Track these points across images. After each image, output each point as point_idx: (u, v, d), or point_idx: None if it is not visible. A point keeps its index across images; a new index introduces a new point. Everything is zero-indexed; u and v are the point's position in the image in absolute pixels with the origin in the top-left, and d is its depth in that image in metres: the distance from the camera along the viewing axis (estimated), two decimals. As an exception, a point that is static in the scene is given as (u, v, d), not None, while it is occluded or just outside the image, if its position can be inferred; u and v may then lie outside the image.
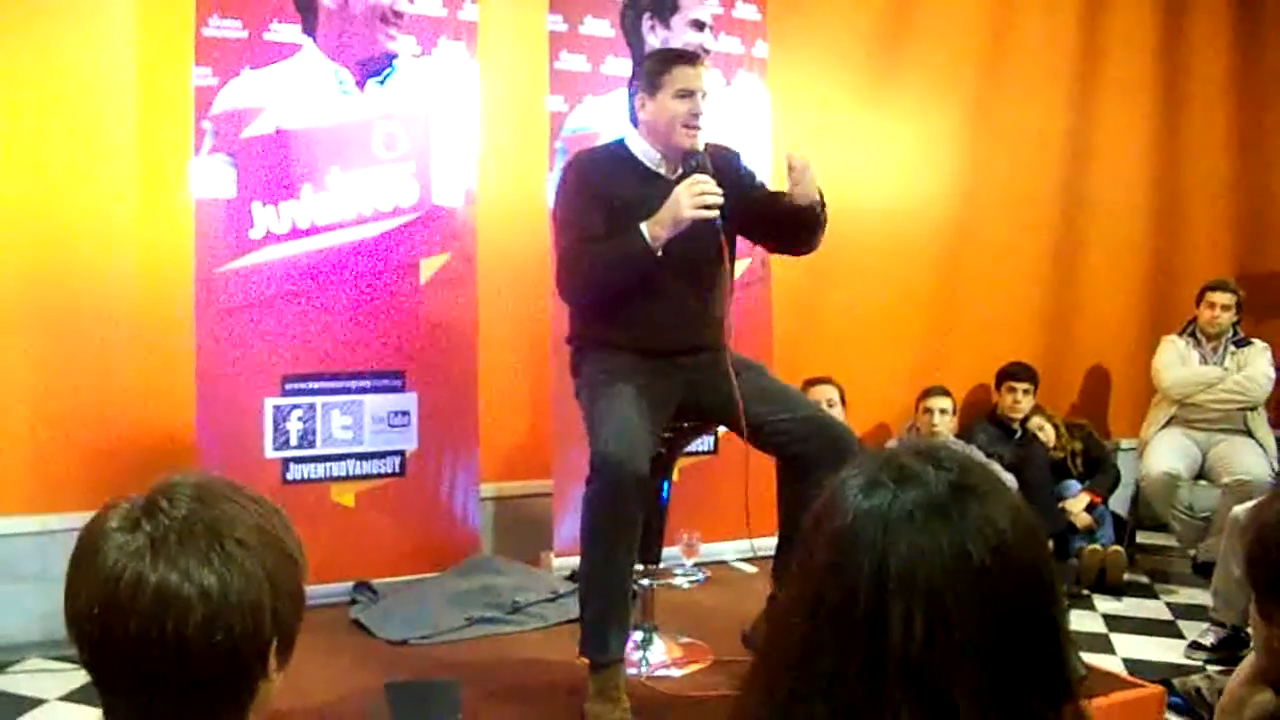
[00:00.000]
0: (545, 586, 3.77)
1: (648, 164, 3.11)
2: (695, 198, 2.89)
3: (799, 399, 3.20)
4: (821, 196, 3.05)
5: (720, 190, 2.91)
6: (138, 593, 1.12)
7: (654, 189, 3.03)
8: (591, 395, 3.01)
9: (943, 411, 4.95)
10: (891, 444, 4.90)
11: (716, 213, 2.90)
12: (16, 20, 3.72)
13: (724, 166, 3.08)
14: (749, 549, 3.20)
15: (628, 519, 2.82)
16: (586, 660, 2.89)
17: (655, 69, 3.10)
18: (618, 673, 2.86)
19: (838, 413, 4.58)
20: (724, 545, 3.98)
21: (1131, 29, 5.79)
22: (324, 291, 3.82)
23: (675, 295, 3.04)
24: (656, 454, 3.01)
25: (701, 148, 3.06)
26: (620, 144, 3.18)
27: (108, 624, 1.13)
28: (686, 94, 3.03)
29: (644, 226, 2.91)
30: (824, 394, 4.66)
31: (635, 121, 3.14)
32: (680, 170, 3.05)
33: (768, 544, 3.16)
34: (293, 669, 1.24)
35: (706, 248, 2.97)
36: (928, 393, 4.99)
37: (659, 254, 2.92)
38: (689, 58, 3.14)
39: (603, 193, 3.03)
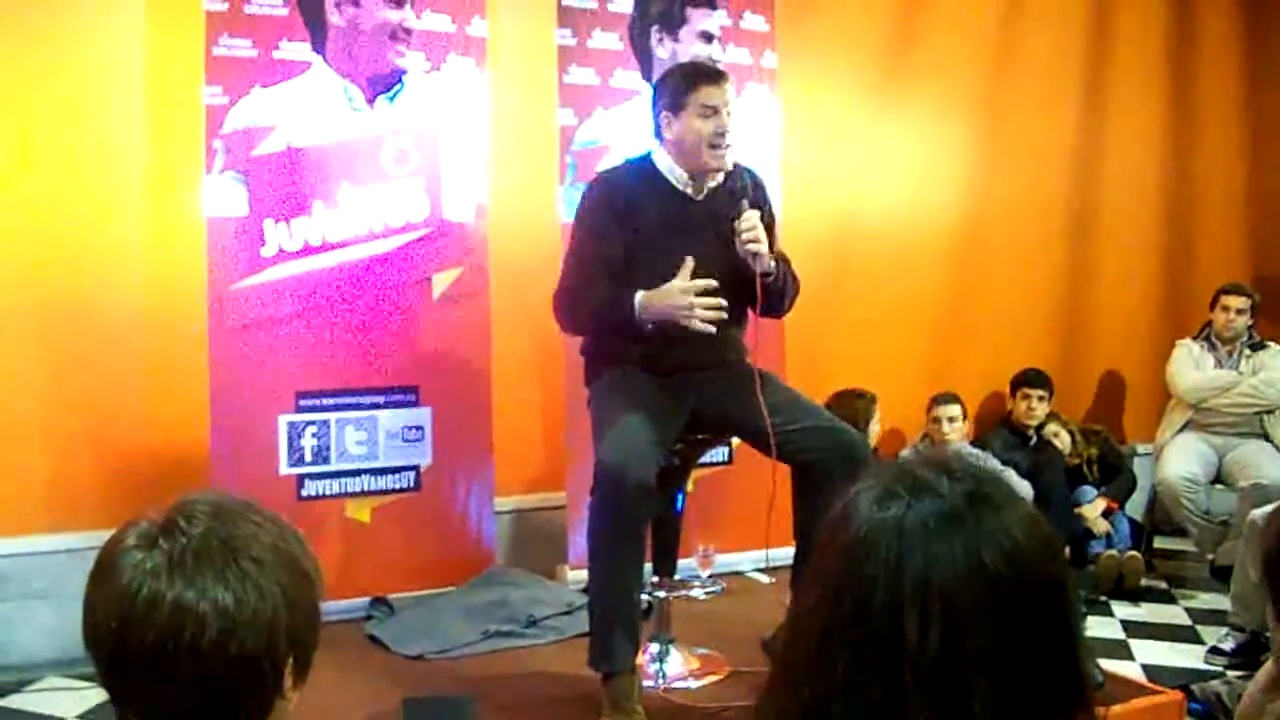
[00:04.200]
0: (560, 600, 3.77)
1: (674, 182, 3.08)
2: (698, 309, 2.85)
3: (810, 407, 3.17)
4: (781, 270, 3.04)
5: (723, 303, 2.88)
6: (154, 609, 1.13)
7: (680, 208, 3.03)
8: (599, 406, 3.03)
9: (951, 419, 4.93)
10: (905, 453, 4.90)
11: (714, 329, 2.87)
12: (27, 40, 3.75)
13: (755, 195, 3.07)
14: (765, 559, 3.18)
15: (631, 527, 2.81)
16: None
17: (679, 87, 3.05)
18: (630, 683, 2.85)
19: (874, 426, 4.68)
20: (740, 556, 3.97)
21: (1141, 34, 5.77)
22: (337, 307, 3.83)
23: None
24: (670, 465, 3.01)
25: (730, 167, 3.04)
26: (646, 159, 3.14)
27: (124, 640, 1.14)
28: (711, 112, 3.00)
29: (638, 298, 2.89)
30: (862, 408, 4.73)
31: (660, 137, 3.10)
32: (717, 186, 3.03)
33: (785, 554, 3.15)
34: (309, 685, 1.25)
35: (740, 276, 2.97)
36: (936, 400, 4.97)
37: (648, 327, 2.91)
38: (713, 75, 3.08)
39: (624, 215, 3.00)
